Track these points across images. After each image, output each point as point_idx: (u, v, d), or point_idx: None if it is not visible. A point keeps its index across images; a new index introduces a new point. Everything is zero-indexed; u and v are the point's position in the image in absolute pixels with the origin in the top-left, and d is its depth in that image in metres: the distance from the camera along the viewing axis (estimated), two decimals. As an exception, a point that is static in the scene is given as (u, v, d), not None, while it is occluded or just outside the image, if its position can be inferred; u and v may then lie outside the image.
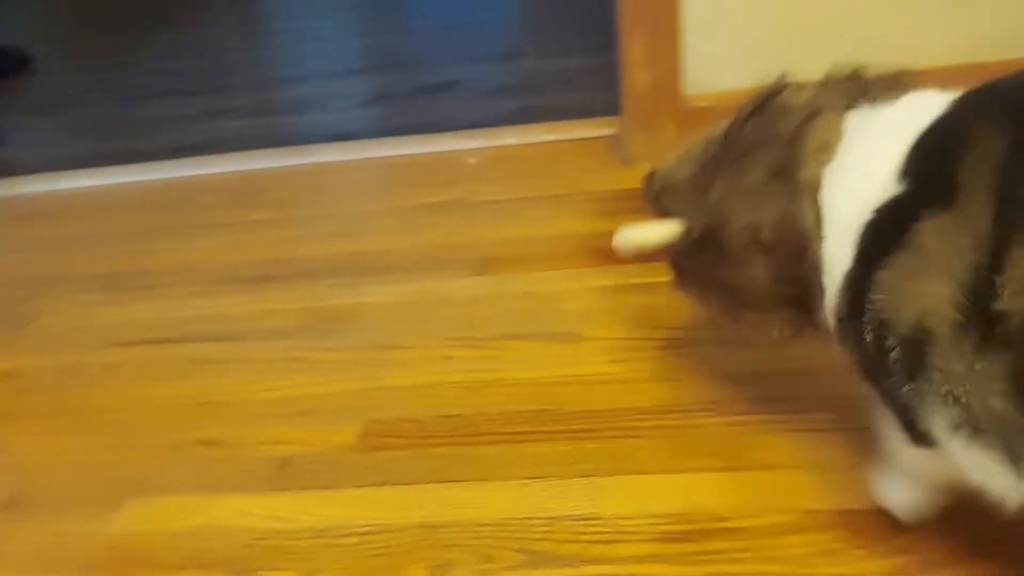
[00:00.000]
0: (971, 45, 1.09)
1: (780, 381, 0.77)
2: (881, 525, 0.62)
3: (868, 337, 0.51)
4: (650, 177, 0.71)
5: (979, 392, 0.46)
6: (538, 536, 0.66)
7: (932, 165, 0.51)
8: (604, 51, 1.23)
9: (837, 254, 0.55)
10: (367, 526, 0.69)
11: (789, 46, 1.12)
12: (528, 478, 0.71)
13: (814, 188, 0.58)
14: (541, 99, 1.49)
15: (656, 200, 0.69)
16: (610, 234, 0.70)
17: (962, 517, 0.59)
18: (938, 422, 0.49)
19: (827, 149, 0.59)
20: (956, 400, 0.47)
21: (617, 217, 0.73)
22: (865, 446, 0.63)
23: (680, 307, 0.74)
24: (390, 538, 0.68)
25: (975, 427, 0.47)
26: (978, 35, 1.10)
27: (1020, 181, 0.47)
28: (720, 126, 0.66)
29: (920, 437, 0.52)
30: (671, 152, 0.70)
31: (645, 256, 0.70)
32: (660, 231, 0.67)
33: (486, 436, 0.76)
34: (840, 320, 0.55)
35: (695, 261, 0.67)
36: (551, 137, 1.30)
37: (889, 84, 0.60)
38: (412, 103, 1.59)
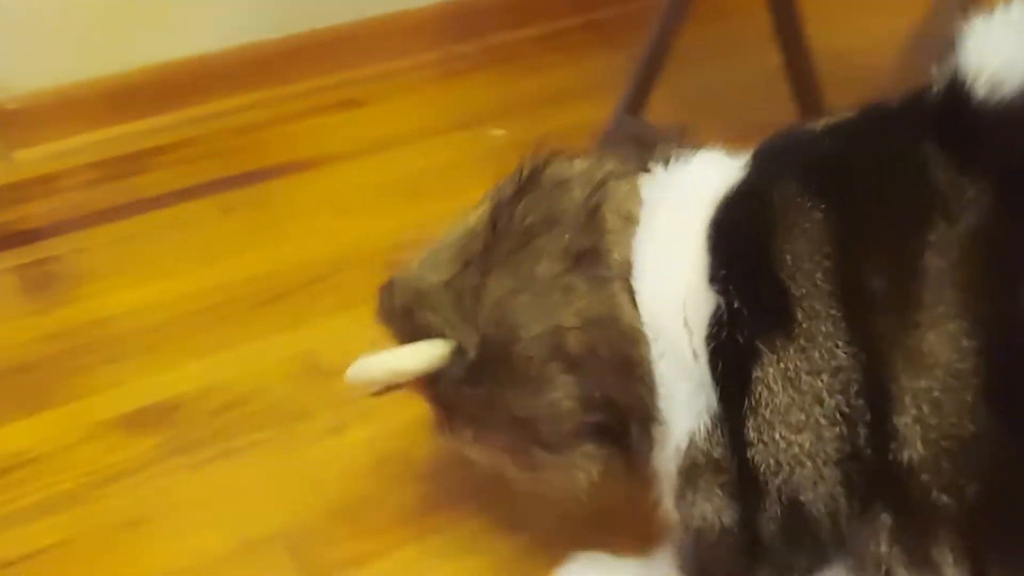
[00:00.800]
0: (243, 29, 1.13)
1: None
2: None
3: (772, 511, 0.42)
4: (387, 288, 0.54)
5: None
6: None
7: (749, 263, 0.43)
8: None
9: (672, 368, 0.45)
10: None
11: (105, 38, 1.06)
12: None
13: (628, 272, 0.47)
14: None
15: (403, 316, 0.52)
16: None
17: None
18: None
19: (633, 220, 0.48)
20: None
21: None
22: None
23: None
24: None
25: None
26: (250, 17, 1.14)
27: (865, 274, 0.39)
28: (473, 214, 0.53)
29: None
30: (403, 255, 0.54)
31: (391, 391, 0.53)
32: (417, 356, 0.50)
33: None
34: (695, 476, 0.44)
35: (470, 392, 0.50)
36: None
37: (675, 142, 0.52)
38: None
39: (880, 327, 0.39)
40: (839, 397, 0.40)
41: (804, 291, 0.40)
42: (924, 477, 0.39)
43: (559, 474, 0.50)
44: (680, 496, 0.46)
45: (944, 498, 0.39)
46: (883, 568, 0.41)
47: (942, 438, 0.38)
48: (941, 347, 0.37)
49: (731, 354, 0.42)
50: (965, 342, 0.37)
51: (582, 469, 0.49)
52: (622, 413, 0.47)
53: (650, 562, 0.54)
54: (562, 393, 0.48)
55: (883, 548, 0.40)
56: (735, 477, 0.43)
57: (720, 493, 0.44)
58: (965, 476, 0.38)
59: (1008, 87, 0.38)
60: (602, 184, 0.50)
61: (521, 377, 0.48)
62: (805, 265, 0.40)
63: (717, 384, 0.43)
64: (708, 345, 0.43)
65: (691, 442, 0.44)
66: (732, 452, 0.43)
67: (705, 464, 0.44)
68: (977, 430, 0.37)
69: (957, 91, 0.39)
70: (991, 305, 0.37)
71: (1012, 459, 0.38)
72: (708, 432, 0.44)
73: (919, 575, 0.40)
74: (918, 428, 0.38)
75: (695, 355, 0.44)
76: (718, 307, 0.42)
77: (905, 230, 0.39)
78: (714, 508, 0.44)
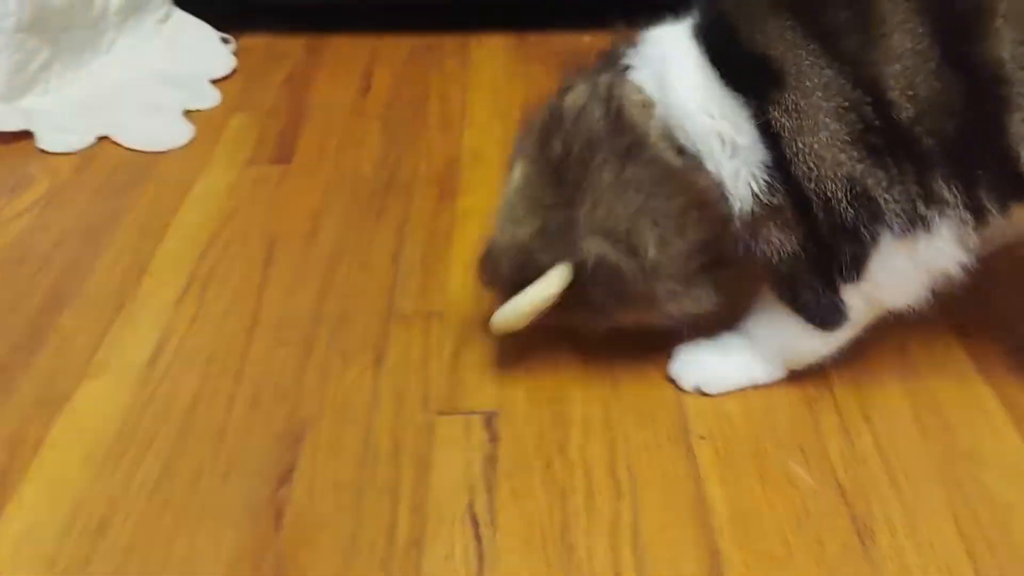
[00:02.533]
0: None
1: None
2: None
3: (822, 201, 0.58)
4: (488, 257, 0.67)
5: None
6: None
7: (739, 59, 0.59)
8: None
9: (729, 166, 0.60)
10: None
11: None
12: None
13: (668, 137, 0.61)
14: None
15: (516, 270, 0.64)
16: None
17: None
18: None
19: (647, 104, 0.62)
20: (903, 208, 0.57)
21: None
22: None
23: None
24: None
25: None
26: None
27: (829, 16, 0.57)
28: (516, 172, 0.65)
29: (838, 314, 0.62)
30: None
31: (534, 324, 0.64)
32: (545, 288, 0.62)
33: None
34: (767, 209, 0.59)
35: (595, 295, 0.63)
36: None
37: (625, 42, 0.65)
38: None
39: (854, 43, 0.57)
40: (837, 99, 0.57)
41: (781, 50, 0.58)
42: (917, 129, 0.56)
43: (690, 304, 0.63)
44: (756, 245, 0.60)
45: (931, 141, 0.56)
46: (916, 212, 0.57)
47: (922, 98, 0.56)
48: (904, 41, 0.56)
49: (759, 123, 0.58)
50: (921, 30, 0.55)
51: (705, 295, 0.63)
52: (722, 241, 0.61)
53: (746, 325, 0.68)
54: (681, 248, 0.62)
55: (908, 195, 0.57)
56: (789, 213, 0.59)
57: (780, 228, 0.59)
58: (943, 119, 0.55)
59: None
60: (608, 94, 0.62)
61: (638, 258, 0.61)
62: (774, 34, 0.58)
63: (757, 146, 0.59)
64: (741, 127, 0.59)
65: (753, 202, 0.59)
66: (781, 191, 0.59)
67: (765, 213, 0.59)
68: (943, 86, 0.55)
69: None
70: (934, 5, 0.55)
71: (971, 97, 0.55)
72: (761, 185, 0.59)
73: (934, 208, 0.57)
74: (905, 96, 0.56)
75: (736, 143, 0.59)
76: (735, 100, 0.59)
77: None
78: (780, 242, 0.60)
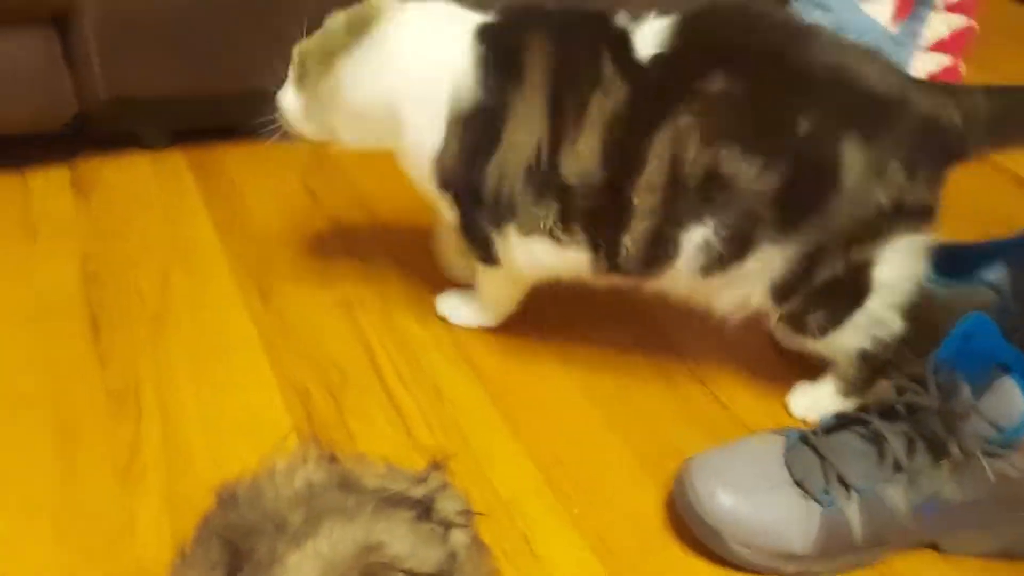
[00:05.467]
0: None
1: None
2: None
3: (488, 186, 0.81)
4: None
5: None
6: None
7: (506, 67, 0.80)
8: None
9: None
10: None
11: None
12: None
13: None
14: None
15: None
16: None
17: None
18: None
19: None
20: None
21: None
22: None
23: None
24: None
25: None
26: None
27: (562, 91, 0.79)
28: None
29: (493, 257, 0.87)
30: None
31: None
32: None
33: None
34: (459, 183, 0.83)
35: None
36: None
37: None
38: None
39: (564, 117, 0.78)
40: (535, 141, 0.79)
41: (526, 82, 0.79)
42: (572, 181, 0.79)
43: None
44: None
45: (579, 195, 0.79)
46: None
47: (578, 171, 0.79)
48: (588, 143, 0.77)
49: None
50: (599, 146, 0.77)
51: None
52: None
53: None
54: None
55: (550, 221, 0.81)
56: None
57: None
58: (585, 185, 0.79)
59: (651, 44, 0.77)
60: None
61: None
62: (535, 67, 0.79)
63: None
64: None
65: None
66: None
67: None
68: (594, 168, 0.78)
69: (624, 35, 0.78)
70: (615, 136, 0.77)
71: (605, 178, 0.78)
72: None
73: (570, 241, 0.82)
74: (571, 163, 0.78)
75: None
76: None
77: (583, 88, 0.77)
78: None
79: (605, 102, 0.76)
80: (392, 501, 0.59)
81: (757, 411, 0.89)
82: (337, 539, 0.55)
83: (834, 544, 0.72)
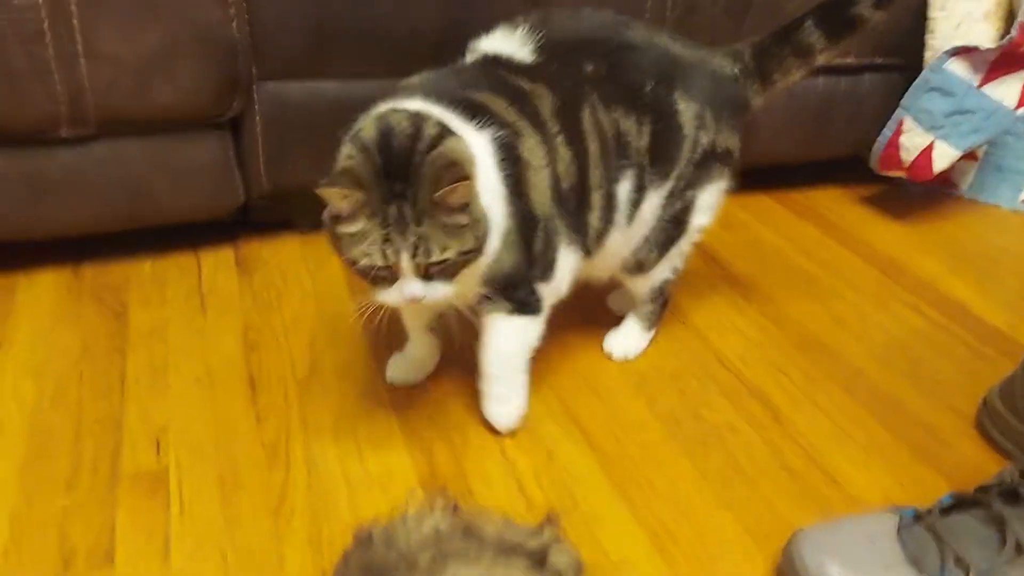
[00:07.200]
0: None
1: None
2: None
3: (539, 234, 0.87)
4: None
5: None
6: None
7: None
8: None
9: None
10: None
11: None
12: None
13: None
14: None
15: None
16: None
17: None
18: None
19: None
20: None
21: None
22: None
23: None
24: None
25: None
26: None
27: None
28: None
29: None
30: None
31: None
32: None
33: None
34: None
35: None
36: None
37: None
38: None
39: (547, 135, 0.88)
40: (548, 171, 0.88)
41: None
42: (565, 185, 0.89)
43: None
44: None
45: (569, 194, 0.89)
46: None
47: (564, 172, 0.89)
48: (561, 146, 0.89)
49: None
50: (566, 143, 0.89)
51: None
52: None
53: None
54: None
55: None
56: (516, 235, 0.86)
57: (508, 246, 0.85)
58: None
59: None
60: None
61: None
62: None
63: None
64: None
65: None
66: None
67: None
68: (572, 184, 0.90)
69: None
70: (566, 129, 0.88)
71: (576, 169, 0.89)
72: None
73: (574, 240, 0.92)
74: (562, 169, 0.88)
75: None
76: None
77: (535, 106, 0.88)
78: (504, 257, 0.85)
79: (546, 105, 0.87)
80: (509, 550, 0.65)
81: (871, 490, 0.89)
82: (460, 580, 0.61)
83: (949, 627, 0.71)
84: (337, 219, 0.77)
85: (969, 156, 1.56)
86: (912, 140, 1.42)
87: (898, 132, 1.43)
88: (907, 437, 0.96)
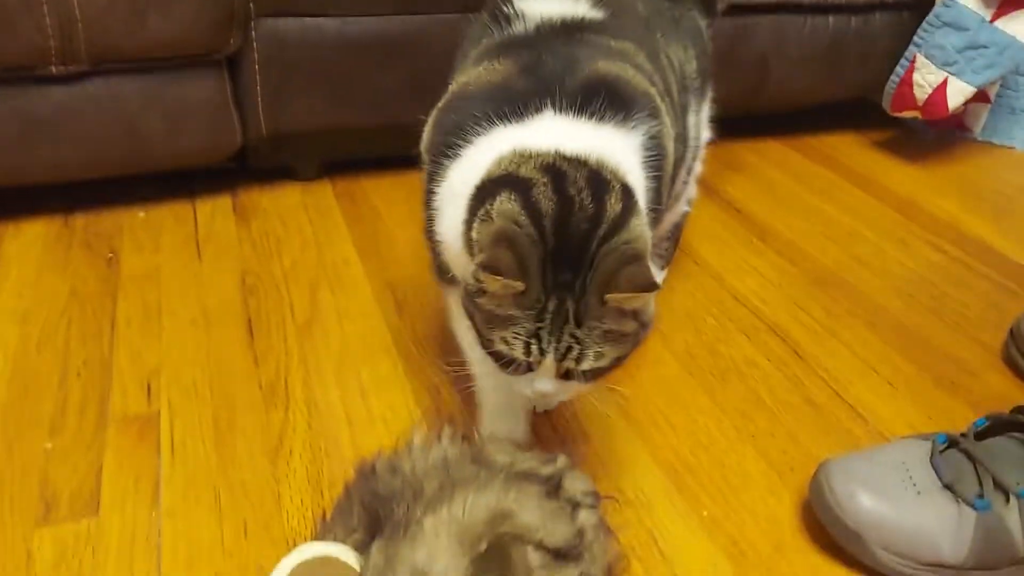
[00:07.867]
0: None
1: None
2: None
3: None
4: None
5: None
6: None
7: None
8: None
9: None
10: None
11: None
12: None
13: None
14: None
15: None
16: None
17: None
18: None
19: None
20: None
21: None
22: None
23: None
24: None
25: None
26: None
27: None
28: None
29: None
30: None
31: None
32: None
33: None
34: None
35: None
36: None
37: None
38: None
39: None
40: None
41: None
42: None
43: None
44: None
45: None
46: None
47: None
48: None
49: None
50: None
51: None
52: None
53: None
54: None
55: None
56: None
57: None
58: None
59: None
60: None
61: None
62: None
63: None
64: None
65: None
66: None
67: None
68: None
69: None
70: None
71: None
72: None
73: None
74: None
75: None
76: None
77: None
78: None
79: (645, 65, 0.75)
80: (522, 477, 0.61)
81: (897, 422, 0.85)
82: (470, 505, 0.57)
83: (992, 554, 0.67)
84: (482, 291, 0.61)
85: (982, 98, 1.51)
86: (925, 77, 1.37)
87: (911, 69, 1.38)
88: (933, 370, 0.92)
